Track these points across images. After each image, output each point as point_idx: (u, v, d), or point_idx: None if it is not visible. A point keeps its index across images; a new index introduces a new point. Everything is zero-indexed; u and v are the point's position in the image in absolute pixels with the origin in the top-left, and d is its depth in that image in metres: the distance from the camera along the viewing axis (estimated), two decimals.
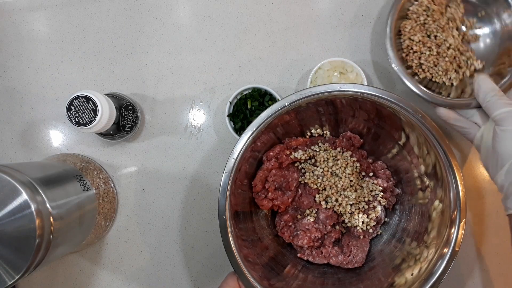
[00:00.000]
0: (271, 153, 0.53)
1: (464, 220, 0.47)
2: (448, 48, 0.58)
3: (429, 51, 0.59)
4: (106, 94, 0.57)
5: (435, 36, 0.59)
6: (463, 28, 0.60)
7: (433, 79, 0.59)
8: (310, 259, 0.54)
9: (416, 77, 0.59)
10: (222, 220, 0.48)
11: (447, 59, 0.58)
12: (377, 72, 0.62)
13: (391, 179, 0.56)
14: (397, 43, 0.59)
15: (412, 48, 0.59)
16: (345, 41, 0.62)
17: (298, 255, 0.54)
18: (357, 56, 0.62)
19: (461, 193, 0.47)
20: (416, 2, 0.58)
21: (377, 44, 0.62)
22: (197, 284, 0.61)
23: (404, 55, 0.59)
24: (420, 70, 0.59)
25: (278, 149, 0.54)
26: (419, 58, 0.59)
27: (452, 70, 0.58)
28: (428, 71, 0.59)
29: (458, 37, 0.59)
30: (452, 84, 0.59)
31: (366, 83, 0.58)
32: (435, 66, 0.59)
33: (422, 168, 0.52)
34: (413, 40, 0.59)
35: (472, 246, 0.60)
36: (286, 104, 0.48)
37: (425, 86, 0.58)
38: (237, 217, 0.51)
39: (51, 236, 0.43)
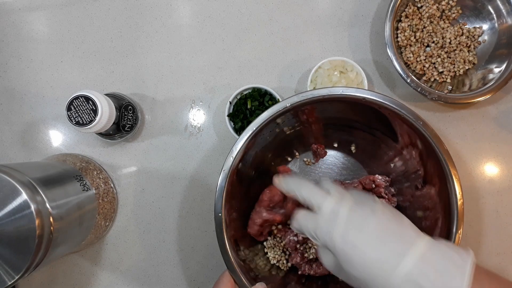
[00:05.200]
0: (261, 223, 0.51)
1: (460, 231, 0.47)
2: (443, 46, 0.59)
3: (426, 50, 0.59)
4: (106, 94, 0.57)
5: (431, 35, 0.59)
6: (461, 25, 0.60)
7: (431, 77, 0.59)
8: (312, 273, 0.53)
9: (416, 75, 0.59)
10: (218, 217, 0.48)
11: (444, 55, 0.59)
12: (378, 71, 0.62)
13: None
14: (396, 42, 0.59)
15: (410, 46, 0.59)
16: (345, 40, 0.62)
17: (299, 272, 0.53)
18: (357, 55, 0.62)
19: (459, 203, 0.47)
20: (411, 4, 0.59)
21: (376, 43, 0.62)
22: (197, 284, 0.61)
23: (403, 54, 0.60)
24: (419, 67, 0.59)
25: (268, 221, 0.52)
26: (418, 56, 0.59)
27: (448, 66, 0.59)
28: (427, 68, 0.59)
29: (454, 34, 0.59)
30: (448, 80, 0.59)
31: (366, 82, 0.58)
32: (433, 63, 0.59)
33: (421, 174, 0.52)
34: (411, 39, 0.59)
35: (472, 246, 0.60)
36: (288, 105, 0.48)
37: (424, 83, 0.58)
38: (235, 219, 0.51)
39: (51, 236, 0.43)
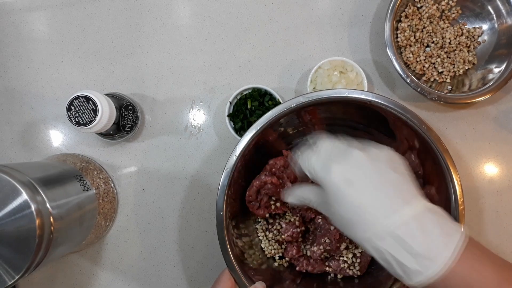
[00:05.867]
0: (273, 169, 0.53)
1: None
2: (443, 46, 0.59)
3: (426, 50, 0.60)
4: (106, 94, 0.57)
5: (431, 35, 0.59)
6: (460, 26, 0.60)
7: (431, 77, 0.59)
8: (310, 269, 0.53)
9: (416, 75, 0.59)
10: (220, 216, 0.48)
11: (444, 56, 0.59)
12: (377, 71, 0.62)
13: None
14: (396, 42, 0.59)
15: (410, 46, 0.59)
16: (345, 40, 0.62)
17: (297, 268, 0.53)
18: (357, 55, 0.62)
19: (459, 208, 0.47)
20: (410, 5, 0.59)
21: (376, 43, 0.62)
22: (197, 284, 0.61)
23: (403, 54, 0.60)
24: (419, 67, 0.59)
25: (282, 162, 0.53)
26: (418, 56, 0.59)
27: (448, 66, 0.59)
28: (427, 68, 0.59)
29: (454, 34, 0.59)
30: (448, 80, 0.59)
31: (366, 82, 0.58)
32: (433, 63, 0.59)
33: (421, 174, 0.52)
34: (410, 39, 0.59)
35: None
36: (293, 105, 0.48)
37: (424, 83, 0.58)
38: (235, 217, 0.51)
39: (51, 236, 0.43)
